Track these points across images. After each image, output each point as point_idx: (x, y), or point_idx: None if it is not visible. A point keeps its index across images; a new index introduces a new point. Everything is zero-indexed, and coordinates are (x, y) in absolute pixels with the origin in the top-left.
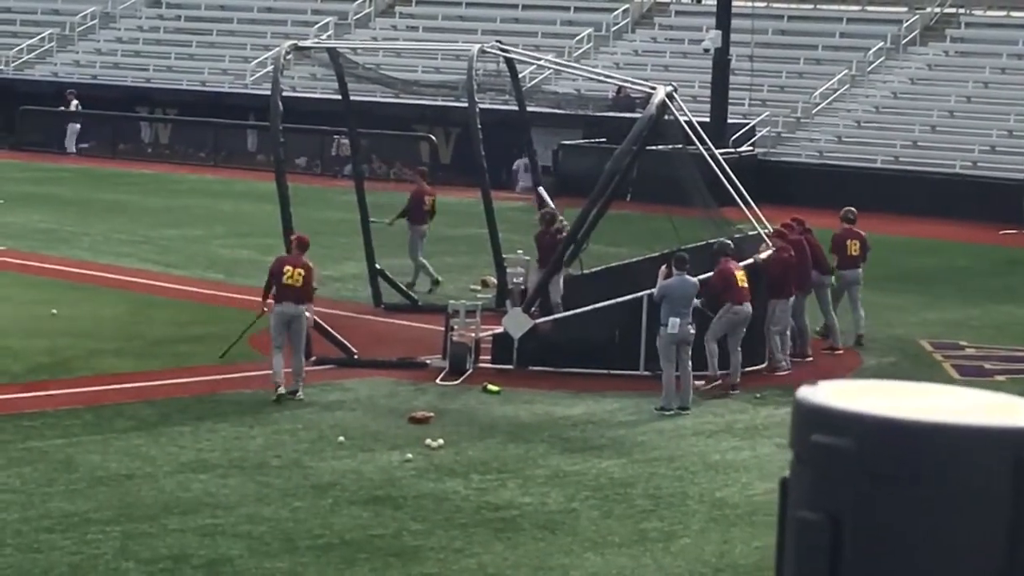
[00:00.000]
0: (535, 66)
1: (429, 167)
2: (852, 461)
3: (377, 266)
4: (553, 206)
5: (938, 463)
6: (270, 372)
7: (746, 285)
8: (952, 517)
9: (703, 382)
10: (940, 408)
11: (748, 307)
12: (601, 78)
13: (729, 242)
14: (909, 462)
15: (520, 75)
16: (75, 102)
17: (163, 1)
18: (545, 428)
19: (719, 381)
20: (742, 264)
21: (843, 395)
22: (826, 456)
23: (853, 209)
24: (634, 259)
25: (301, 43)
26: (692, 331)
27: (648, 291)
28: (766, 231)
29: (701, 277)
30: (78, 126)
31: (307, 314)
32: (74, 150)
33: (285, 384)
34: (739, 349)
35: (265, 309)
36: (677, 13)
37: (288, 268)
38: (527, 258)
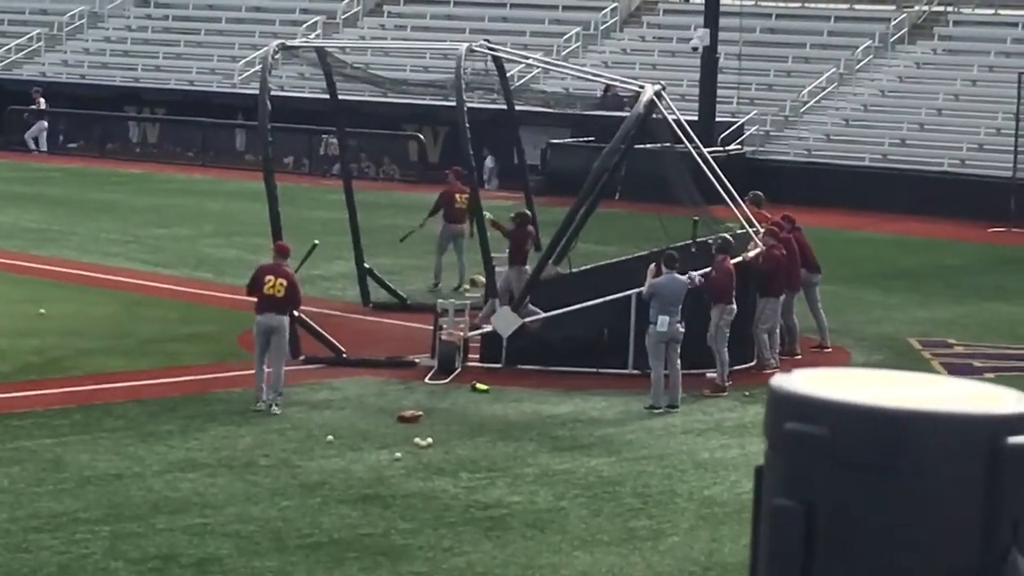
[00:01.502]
0: (523, 65)
1: (417, 167)
2: (826, 449)
3: (366, 265)
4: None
5: (912, 451)
6: (254, 379)
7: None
8: (926, 505)
9: (709, 390)
10: (914, 396)
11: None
12: (589, 77)
13: (731, 239)
14: (883, 450)
15: (508, 74)
16: (42, 100)
17: (151, 1)
18: (534, 427)
19: (726, 392)
20: (733, 262)
21: (817, 383)
22: (800, 444)
23: (760, 193)
24: (623, 258)
25: (289, 42)
26: (681, 329)
27: (637, 289)
28: (755, 229)
29: (700, 272)
30: (45, 123)
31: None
32: (44, 148)
33: (260, 396)
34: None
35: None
36: (665, 12)
37: (269, 278)
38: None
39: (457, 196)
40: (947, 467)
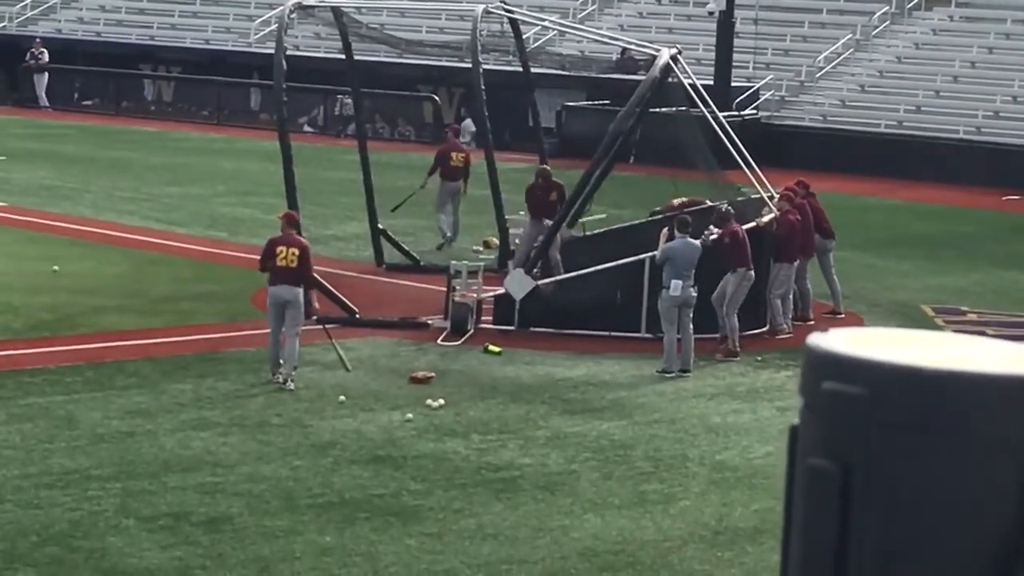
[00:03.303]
0: (539, 27)
1: (432, 127)
2: (864, 409)
3: (379, 226)
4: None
5: (951, 412)
6: (268, 352)
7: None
8: (964, 467)
9: (721, 355)
10: (954, 356)
11: (751, 271)
12: (605, 40)
13: (731, 208)
14: (922, 410)
15: (524, 36)
16: (43, 51)
17: None
18: (546, 389)
19: (737, 357)
20: (745, 227)
21: (855, 342)
22: (837, 404)
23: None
24: (637, 221)
25: (305, 2)
26: (694, 294)
27: (650, 253)
28: (769, 194)
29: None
30: (46, 74)
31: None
32: (46, 103)
33: (276, 370)
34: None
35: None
36: None
37: (281, 249)
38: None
39: (453, 154)
40: (987, 428)
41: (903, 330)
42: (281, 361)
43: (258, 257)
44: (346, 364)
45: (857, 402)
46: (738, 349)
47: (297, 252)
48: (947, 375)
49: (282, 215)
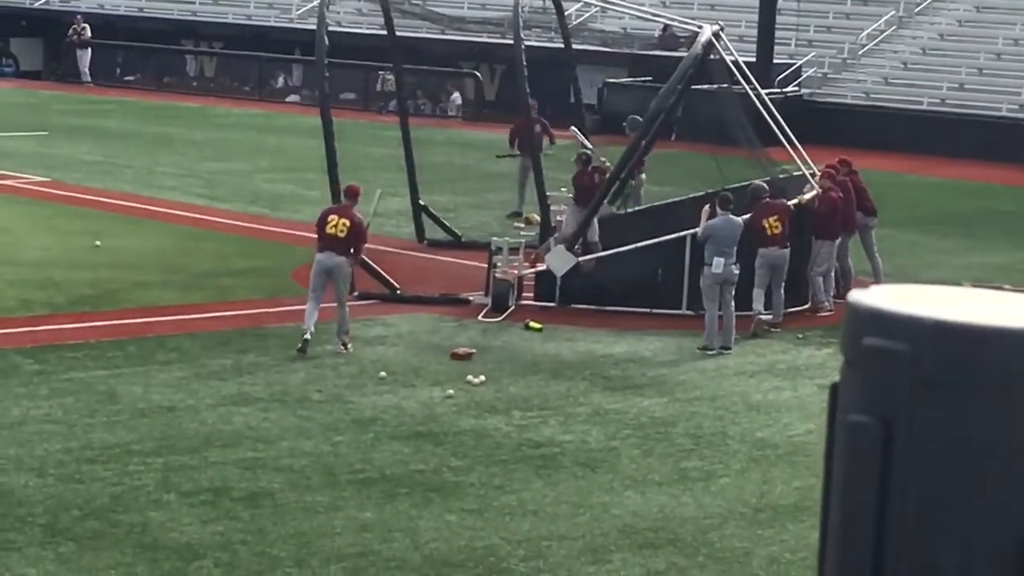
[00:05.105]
0: (581, 3)
1: (473, 104)
2: (906, 365)
3: (421, 202)
4: (589, 146)
5: (994, 368)
6: (304, 314)
7: (779, 229)
8: (1005, 423)
9: (758, 328)
10: (997, 313)
11: (776, 250)
12: (647, 16)
13: (764, 185)
14: (964, 366)
15: (566, 12)
16: (86, 27)
17: None
18: (587, 366)
19: (778, 329)
20: (790, 203)
21: (897, 298)
22: (878, 359)
23: (638, 117)
24: (678, 198)
25: None
26: (736, 271)
27: (692, 230)
28: (811, 172)
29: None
30: (88, 50)
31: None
32: (89, 79)
33: (306, 343)
34: (782, 289)
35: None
36: None
37: (333, 218)
38: (570, 195)
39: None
40: None
41: (944, 287)
42: (312, 324)
43: (300, 233)
44: None
45: (898, 358)
46: (759, 313)
47: (348, 224)
48: (990, 331)
49: (345, 186)
